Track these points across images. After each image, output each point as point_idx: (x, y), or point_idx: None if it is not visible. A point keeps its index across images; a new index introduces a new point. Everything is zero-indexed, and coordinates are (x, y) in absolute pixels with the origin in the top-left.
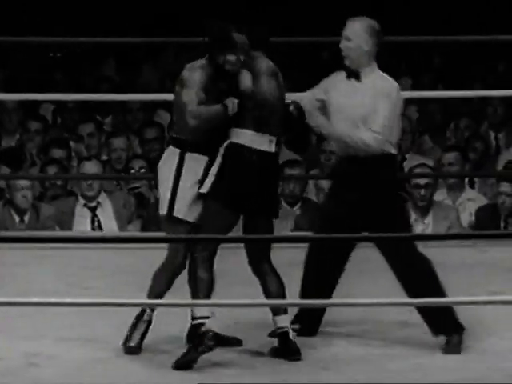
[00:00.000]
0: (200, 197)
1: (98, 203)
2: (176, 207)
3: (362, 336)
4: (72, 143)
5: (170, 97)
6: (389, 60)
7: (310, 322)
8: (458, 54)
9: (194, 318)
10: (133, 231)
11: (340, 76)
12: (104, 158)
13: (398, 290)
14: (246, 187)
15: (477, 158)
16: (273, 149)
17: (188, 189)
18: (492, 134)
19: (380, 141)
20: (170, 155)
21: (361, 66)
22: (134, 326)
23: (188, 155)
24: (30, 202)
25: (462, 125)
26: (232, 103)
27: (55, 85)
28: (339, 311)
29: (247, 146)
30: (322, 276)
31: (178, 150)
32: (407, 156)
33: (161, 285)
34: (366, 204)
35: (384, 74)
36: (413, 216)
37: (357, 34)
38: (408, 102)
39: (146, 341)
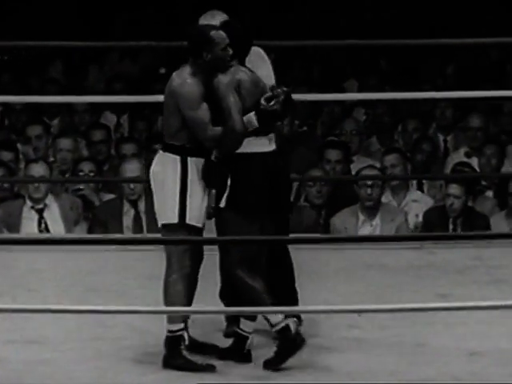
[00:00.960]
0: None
1: (45, 205)
2: (188, 215)
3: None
4: (19, 145)
5: (116, 99)
6: (335, 62)
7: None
8: (405, 57)
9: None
10: (79, 233)
11: None
12: (51, 159)
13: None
14: (259, 192)
15: (424, 159)
16: (273, 146)
17: (198, 195)
18: (440, 137)
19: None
20: (169, 162)
21: None
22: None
23: (190, 160)
24: None
25: (410, 127)
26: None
27: (2, 87)
28: None
29: (250, 153)
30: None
31: (177, 157)
32: (354, 158)
33: (180, 296)
34: None
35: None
36: (360, 218)
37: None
38: (355, 104)
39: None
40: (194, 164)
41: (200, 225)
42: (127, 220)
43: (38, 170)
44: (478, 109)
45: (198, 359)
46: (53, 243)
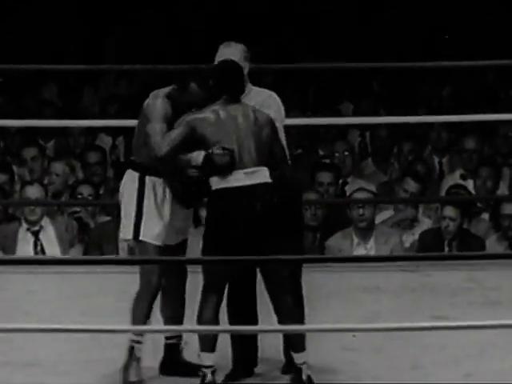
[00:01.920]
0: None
1: (41, 227)
2: (142, 231)
3: None
4: (15, 167)
5: (111, 123)
6: (330, 85)
7: (245, 363)
8: (400, 79)
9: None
10: (75, 255)
11: None
12: (46, 182)
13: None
14: (230, 230)
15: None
16: (252, 180)
17: (152, 212)
18: (436, 159)
19: None
20: (130, 179)
21: None
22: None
23: (148, 179)
24: None
25: (406, 149)
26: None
27: None
28: None
29: (222, 188)
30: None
31: (136, 174)
32: (349, 180)
33: (143, 311)
34: None
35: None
36: (355, 240)
37: (236, 59)
38: (350, 126)
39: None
40: (151, 182)
41: (157, 243)
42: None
43: (34, 192)
44: (473, 131)
45: None
46: (47, 263)
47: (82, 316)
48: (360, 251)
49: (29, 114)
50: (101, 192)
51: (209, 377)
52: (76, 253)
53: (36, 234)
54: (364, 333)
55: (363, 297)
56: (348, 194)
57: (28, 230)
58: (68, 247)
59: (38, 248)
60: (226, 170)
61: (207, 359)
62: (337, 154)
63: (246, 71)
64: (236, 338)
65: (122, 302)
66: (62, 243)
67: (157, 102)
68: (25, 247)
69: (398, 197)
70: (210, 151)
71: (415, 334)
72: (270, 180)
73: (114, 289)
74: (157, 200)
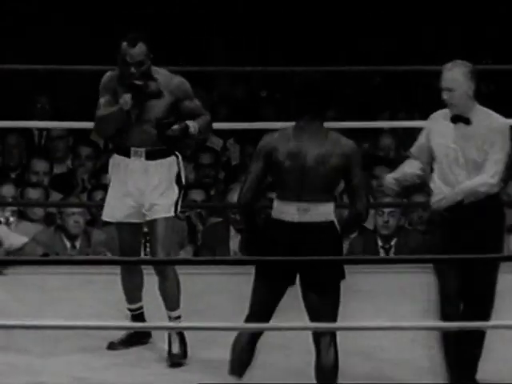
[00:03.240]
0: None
1: None
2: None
3: None
4: None
5: (222, 125)
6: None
7: None
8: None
9: None
10: (185, 256)
11: (442, 121)
12: None
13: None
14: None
15: None
16: (303, 218)
17: (113, 190)
18: None
19: (495, 185)
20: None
21: (468, 110)
22: None
23: (112, 157)
24: (81, 228)
25: None
26: (123, 99)
27: None
28: None
29: (273, 218)
30: None
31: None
32: None
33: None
34: (481, 245)
35: (489, 111)
36: None
37: (459, 82)
38: None
39: None
40: (113, 161)
41: (112, 220)
42: (234, 244)
43: None
44: None
45: None
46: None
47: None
48: None
49: None
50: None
51: None
52: (186, 254)
53: (145, 236)
54: None
55: None
56: None
57: None
58: (178, 248)
59: (147, 250)
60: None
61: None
62: None
63: (470, 92)
64: None
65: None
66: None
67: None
68: None
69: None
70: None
71: None
72: (328, 219)
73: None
74: (116, 178)
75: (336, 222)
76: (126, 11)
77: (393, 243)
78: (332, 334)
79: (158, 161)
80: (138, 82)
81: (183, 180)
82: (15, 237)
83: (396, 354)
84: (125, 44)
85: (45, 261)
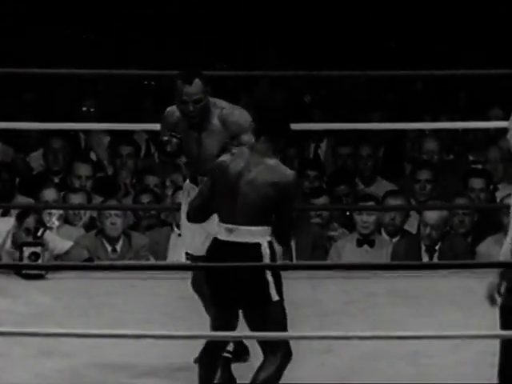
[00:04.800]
0: None
1: None
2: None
3: None
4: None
5: None
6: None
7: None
8: None
9: None
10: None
11: None
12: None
13: None
14: (215, 281)
15: None
16: (230, 238)
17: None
18: None
19: None
20: None
21: None
22: None
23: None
24: (119, 230)
25: None
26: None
27: (147, 113)
28: None
29: (214, 237)
30: None
31: None
32: (500, 186)
33: None
34: None
35: None
36: None
37: None
38: (501, 131)
39: None
40: (185, 187)
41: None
42: None
43: None
44: None
45: None
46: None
47: None
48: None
49: None
50: None
51: None
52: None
53: None
54: None
55: None
56: (499, 199)
57: (180, 235)
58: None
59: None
60: (173, 156)
61: None
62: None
63: None
64: None
65: None
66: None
67: None
68: (177, 253)
69: None
70: (161, 138)
71: None
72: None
73: None
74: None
75: (264, 245)
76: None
77: (437, 247)
78: (284, 356)
79: None
80: (163, 138)
81: None
82: (61, 241)
83: (440, 359)
84: (180, 82)
85: (91, 266)
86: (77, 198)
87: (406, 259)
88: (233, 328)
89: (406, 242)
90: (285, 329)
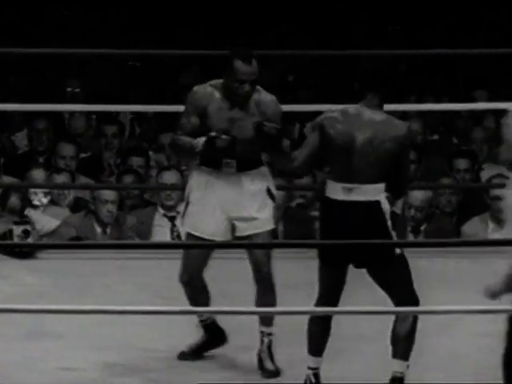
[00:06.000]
0: None
1: (178, 213)
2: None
3: None
4: (151, 153)
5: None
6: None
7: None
8: None
9: None
10: None
11: None
12: (183, 168)
13: None
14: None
15: None
16: (350, 197)
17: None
18: None
19: None
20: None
21: None
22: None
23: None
24: (114, 217)
25: None
26: (197, 142)
27: (134, 94)
28: None
29: (326, 197)
30: None
31: None
32: (484, 166)
33: None
34: None
35: None
36: (490, 225)
37: None
38: (486, 112)
39: None
40: (199, 172)
41: (198, 234)
42: None
43: (170, 177)
44: None
45: None
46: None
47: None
48: (495, 236)
49: (167, 100)
50: None
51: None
52: None
53: (173, 220)
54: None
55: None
56: (484, 179)
57: (165, 215)
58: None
59: (175, 234)
60: (226, 154)
61: (312, 362)
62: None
63: None
64: None
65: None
66: None
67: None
68: (161, 233)
69: None
70: (210, 135)
71: None
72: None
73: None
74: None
75: (383, 201)
76: None
77: (422, 228)
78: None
79: (251, 171)
80: (213, 135)
81: (274, 190)
82: (48, 220)
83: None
84: (239, 62)
85: (78, 245)
86: (61, 178)
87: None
88: (343, 286)
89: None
90: (411, 279)
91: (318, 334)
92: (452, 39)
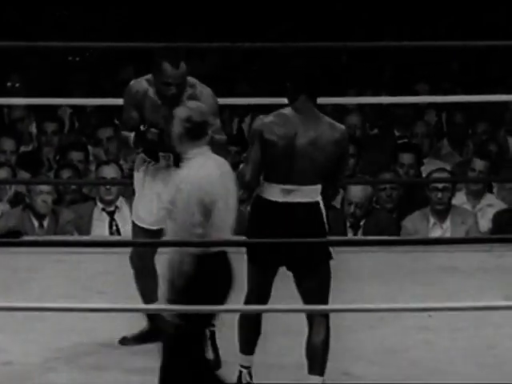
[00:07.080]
0: None
1: (117, 207)
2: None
3: None
4: (90, 147)
5: None
6: (406, 66)
7: None
8: (477, 59)
9: None
10: None
11: None
12: (122, 162)
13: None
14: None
15: (493, 162)
16: (289, 198)
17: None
18: (510, 140)
19: None
20: None
21: None
22: None
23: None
24: (50, 207)
25: (480, 130)
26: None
27: (72, 88)
28: None
29: (261, 197)
30: None
31: None
32: (425, 160)
33: None
34: None
35: None
36: (431, 220)
37: None
38: (427, 106)
39: None
40: (140, 165)
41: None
42: None
43: (109, 171)
44: None
45: None
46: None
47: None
48: (436, 232)
49: (106, 94)
50: None
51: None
52: None
53: (111, 215)
54: (440, 312)
55: (440, 276)
56: (424, 174)
57: (103, 210)
58: None
59: (114, 228)
60: (157, 146)
61: (244, 360)
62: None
63: None
64: None
65: None
66: None
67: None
68: (100, 227)
69: (473, 177)
70: (140, 128)
71: (489, 316)
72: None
73: None
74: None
75: (321, 203)
76: None
77: (361, 224)
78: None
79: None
80: (142, 128)
81: None
82: None
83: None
84: (167, 65)
85: (16, 243)
86: (1, 173)
87: (331, 234)
88: (271, 288)
89: (331, 216)
90: (329, 292)
91: (249, 332)
92: (452, 39)
